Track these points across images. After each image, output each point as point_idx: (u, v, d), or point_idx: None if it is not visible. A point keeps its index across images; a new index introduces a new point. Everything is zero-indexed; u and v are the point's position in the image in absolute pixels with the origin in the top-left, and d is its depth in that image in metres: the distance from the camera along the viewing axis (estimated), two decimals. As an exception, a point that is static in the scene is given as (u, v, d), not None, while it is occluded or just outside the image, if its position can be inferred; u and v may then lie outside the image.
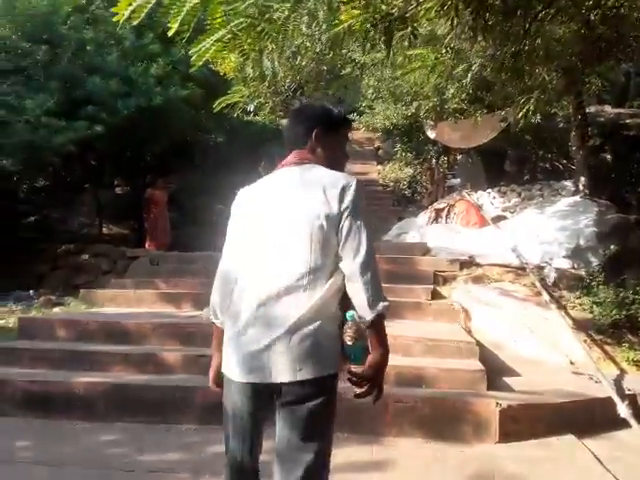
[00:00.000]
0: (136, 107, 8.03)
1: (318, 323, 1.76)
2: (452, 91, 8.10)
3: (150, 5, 3.03)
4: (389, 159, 15.83)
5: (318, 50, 5.79)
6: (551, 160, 11.92)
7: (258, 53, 4.78)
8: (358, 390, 1.77)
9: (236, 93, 5.54)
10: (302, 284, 1.76)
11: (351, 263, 1.75)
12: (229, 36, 3.15)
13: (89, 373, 4.20)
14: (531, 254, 7.42)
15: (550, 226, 7.97)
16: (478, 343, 4.74)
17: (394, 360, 4.21)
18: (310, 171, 1.89)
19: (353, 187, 1.81)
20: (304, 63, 5.69)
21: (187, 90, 8.84)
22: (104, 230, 12.68)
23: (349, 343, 1.77)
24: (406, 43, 4.91)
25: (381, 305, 1.77)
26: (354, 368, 1.78)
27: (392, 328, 5.14)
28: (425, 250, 8.56)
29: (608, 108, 13.64)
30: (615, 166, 11.77)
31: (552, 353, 5.28)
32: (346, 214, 1.77)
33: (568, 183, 9.82)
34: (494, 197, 10.94)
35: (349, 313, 1.78)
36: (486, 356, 4.71)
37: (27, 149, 7.09)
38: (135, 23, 3.10)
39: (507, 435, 3.56)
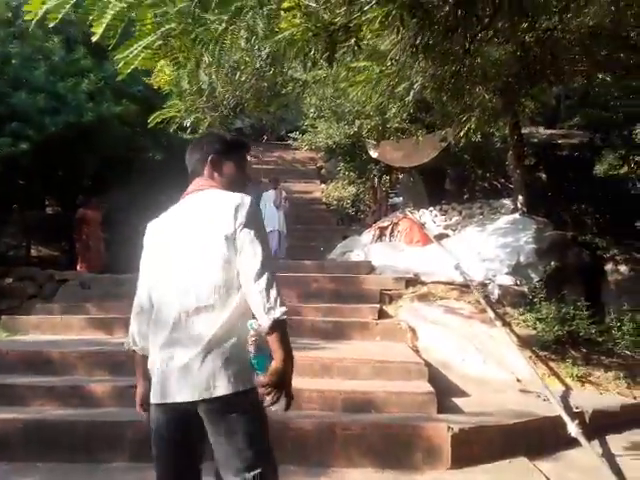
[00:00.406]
0: (65, 124, 7.58)
1: (232, 340, 1.83)
2: (394, 110, 8.10)
3: (68, 7, 2.77)
4: (332, 178, 15.81)
5: (258, 66, 5.62)
6: (489, 179, 12.20)
7: (194, 65, 4.57)
8: (267, 399, 1.77)
9: (172, 107, 5.27)
10: (211, 303, 1.84)
11: (246, 274, 1.81)
12: (159, 42, 2.90)
13: (7, 408, 3.76)
14: (474, 271, 7.46)
15: (491, 243, 8.06)
16: (426, 363, 4.62)
17: (341, 385, 4.10)
18: (208, 195, 1.99)
19: (247, 204, 1.90)
20: (243, 78, 5.50)
21: (121, 106, 8.44)
22: (33, 252, 11.95)
23: (251, 353, 1.80)
24: (349, 57, 4.84)
25: (278, 311, 1.79)
26: (261, 378, 1.78)
27: (338, 350, 5.02)
28: (370, 268, 8.48)
29: (541, 129, 14.16)
30: (550, 185, 12.17)
31: (499, 371, 5.23)
32: (240, 229, 1.85)
33: (507, 201, 10.02)
34: (436, 215, 11.03)
35: (249, 322, 1.82)
36: (434, 376, 4.58)
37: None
38: (52, 25, 2.82)
39: (459, 460, 3.41)
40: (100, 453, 3.45)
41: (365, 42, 4.77)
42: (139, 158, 12.28)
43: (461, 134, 6.00)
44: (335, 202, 13.78)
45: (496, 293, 6.42)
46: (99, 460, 3.42)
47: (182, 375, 1.80)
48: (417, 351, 5.38)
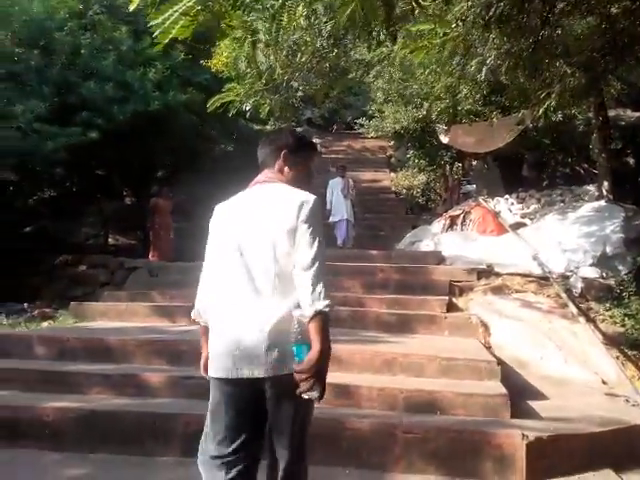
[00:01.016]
0: (133, 112, 7.68)
1: (291, 328, 1.95)
2: (465, 91, 7.65)
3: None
4: (402, 166, 15.37)
5: (319, 45, 5.38)
6: (571, 165, 11.38)
7: (250, 45, 4.40)
8: (302, 385, 1.86)
9: (230, 91, 5.12)
10: (271, 292, 1.98)
11: (299, 265, 1.93)
12: (198, 7, 2.70)
13: (63, 396, 3.76)
14: (554, 263, 6.91)
15: (573, 233, 7.44)
16: (499, 361, 4.24)
17: (404, 383, 3.82)
18: (276, 189, 2.11)
19: (311, 203, 2.01)
20: (304, 59, 5.27)
21: (186, 95, 8.47)
22: (110, 241, 12.39)
23: (292, 341, 1.92)
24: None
25: (322, 303, 1.87)
26: (298, 365, 1.87)
27: (402, 344, 4.70)
28: (440, 259, 8.08)
29: (628, 112, 13.07)
30: (638, 170, 11.20)
31: (581, 371, 4.75)
32: (302, 226, 1.97)
33: (591, 188, 9.28)
34: (512, 203, 10.42)
35: (295, 312, 1.93)
36: (508, 376, 4.20)
37: (16, 155, 6.76)
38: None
39: (535, 472, 3.05)
40: (151, 446, 3.36)
41: (429, 14, 4.42)
42: (210, 149, 12.46)
43: (539, 115, 5.46)
44: (405, 191, 13.35)
45: (579, 286, 5.87)
46: (148, 453, 3.33)
47: (247, 355, 1.95)
48: (489, 348, 4.99)
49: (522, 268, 7.02)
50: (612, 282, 5.91)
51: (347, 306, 5.59)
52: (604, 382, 4.63)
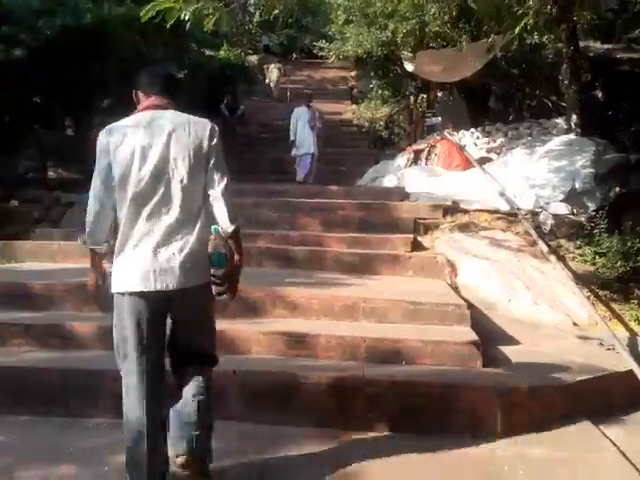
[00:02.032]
0: (62, 27, 6.74)
1: (201, 241, 2.18)
2: (433, 11, 7.02)
3: None
4: (364, 98, 14.67)
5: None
6: (539, 97, 10.95)
7: None
8: (218, 289, 2.20)
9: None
10: (188, 210, 2.18)
11: (217, 188, 2.19)
12: None
13: (-24, 351, 3.25)
14: (522, 199, 6.60)
15: (542, 167, 7.12)
16: (468, 304, 3.93)
17: (366, 330, 3.39)
18: (179, 115, 2.27)
19: (217, 130, 2.29)
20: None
21: (124, 8, 7.49)
22: (53, 175, 11.49)
23: (211, 250, 2.15)
24: None
25: (239, 220, 2.21)
26: (215, 271, 2.17)
27: (364, 287, 4.19)
28: (403, 195, 7.69)
29: (597, 44, 12.65)
30: (607, 103, 10.88)
31: (552, 312, 4.49)
32: (214, 150, 2.23)
33: (559, 121, 8.93)
34: (478, 137, 9.98)
35: (213, 227, 2.19)
36: (478, 320, 3.89)
37: None
38: None
39: (511, 426, 2.77)
40: (79, 406, 2.91)
41: None
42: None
43: (514, 36, 4.94)
44: (367, 124, 12.74)
45: (549, 223, 5.59)
46: (77, 414, 2.89)
47: (164, 268, 2.11)
48: (456, 289, 4.67)
49: (489, 204, 6.71)
50: (583, 219, 5.64)
51: (305, 245, 5.16)
52: (575, 324, 4.40)
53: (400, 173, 9.02)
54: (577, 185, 6.66)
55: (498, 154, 9.17)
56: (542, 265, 5.06)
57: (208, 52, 15.07)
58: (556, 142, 7.61)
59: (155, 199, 2.13)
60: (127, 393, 2.16)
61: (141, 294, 2.10)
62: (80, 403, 2.94)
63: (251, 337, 3.21)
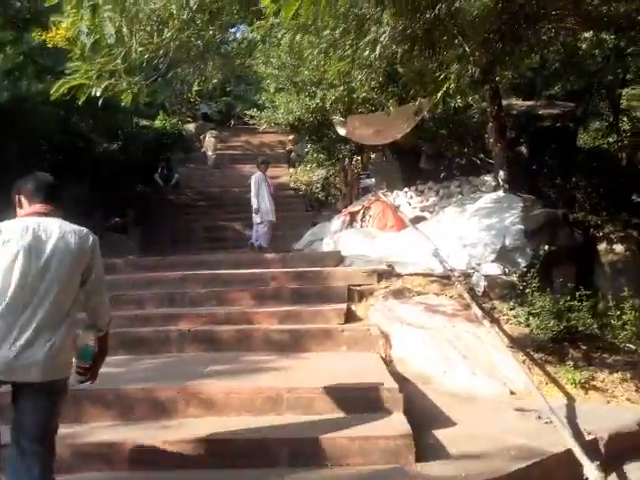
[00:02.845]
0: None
1: (66, 339, 2.38)
2: (360, 77, 7.12)
3: None
4: (301, 162, 14.77)
5: (186, 17, 4.57)
6: (467, 155, 11.27)
7: (90, 13, 3.53)
8: (81, 378, 2.54)
9: (76, 72, 4.20)
10: (64, 309, 2.38)
11: (98, 291, 2.54)
12: None
13: None
14: (456, 259, 6.57)
15: (473, 226, 7.17)
16: (403, 379, 3.75)
17: (289, 429, 2.86)
18: (63, 223, 2.46)
19: (97, 240, 2.55)
20: (169, 35, 4.44)
21: (43, 84, 7.25)
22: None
23: (81, 346, 2.51)
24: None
25: (110, 322, 2.65)
26: (81, 364, 2.51)
27: (292, 370, 3.63)
28: (339, 259, 7.56)
29: (519, 101, 13.30)
30: (532, 159, 11.31)
31: (489, 382, 4.34)
32: (96, 258, 2.51)
33: (488, 178, 9.13)
34: (411, 197, 10.12)
35: (85, 325, 2.56)
36: (412, 399, 3.67)
37: None
38: None
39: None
40: None
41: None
42: (88, 148, 11.10)
43: (438, 100, 5.01)
44: (304, 187, 12.75)
45: (482, 285, 5.53)
46: None
47: (33, 361, 2.25)
48: (391, 362, 4.49)
49: (423, 266, 6.63)
50: (515, 278, 5.62)
51: (232, 324, 4.89)
52: (512, 393, 4.26)
53: (336, 236, 8.95)
54: (507, 242, 6.71)
55: (431, 213, 9.26)
56: (477, 330, 4.95)
57: (143, 122, 14.93)
58: (486, 200, 7.73)
59: (31, 299, 2.29)
60: None
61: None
62: None
63: (157, 446, 2.85)
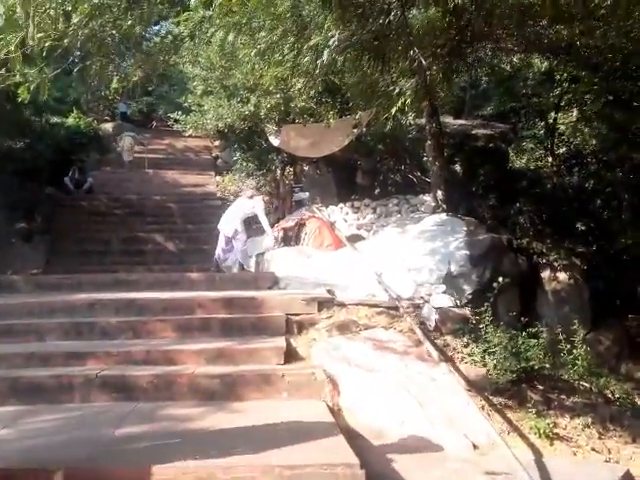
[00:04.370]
0: None
1: None
2: (299, 85, 6.55)
3: None
4: (229, 169, 13.98)
5: (97, 2, 3.77)
6: (403, 172, 10.98)
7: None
8: None
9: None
10: None
11: None
12: None
13: None
14: (399, 283, 6.12)
15: (417, 249, 6.75)
16: (353, 434, 3.14)
17: None
18: None
19: None
20: (76, 21, 3.64)
21: None
22: None
23: None
24: None
25: None
26: None
27: (225, 434, 2.76)
28: (273, 280, 6.95)
29: (450, 119, 13.26)
30: (466, 179, 11.19)
31: (449, 434, 3.83)
32: None
33: (427, 197, 8.81)
34: (347, 213, 9.65)
35: None
36: (366, 460, 3.07)
37: None
38: None
39: None
40: None
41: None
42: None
43: (393, 115, 4.51)
44: (232, 197, 11.97)
45: (433, 319, 5.07)
46: None
47: None
48: (339, 411, 3.90)
49: (365, 291, 6.15)
50: (467, 311, 5.19)
51: (149, 364, 4.09)
52: (475, 447, 3.77)
53: (269, 254, 8.29)
54: (453, 268, 6.34)
55: (368, 231, 8.83)
56: (432, 370, 4.45)
57: (55, 119, 13.60)
58: (428, 222, 7.36)
59: None
60: None
61: None
62: None
63: None
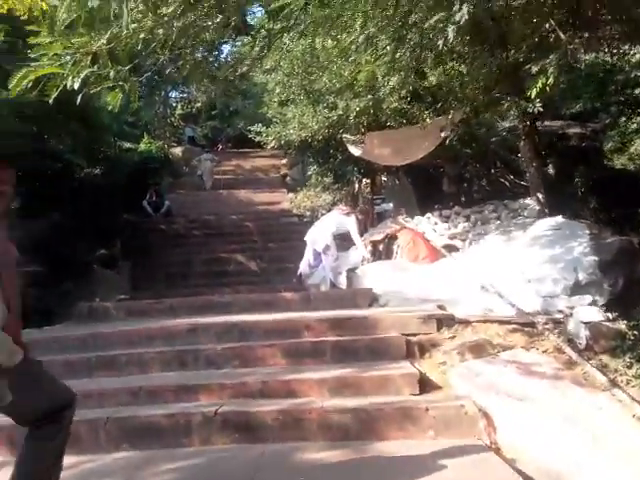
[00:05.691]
0: None
1: None
2: (392, 84, 5.98)
3: None
4: (299, 186, 13.61)
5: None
6: (494, 176, 10.21)
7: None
8: None
9: (44, 55, 2.93)
10: None
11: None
12: None
13: None
14: (519, 297, 5.41)
15: (533, 257, 6.02)
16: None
17: None
18: None
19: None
20: (171, 10, 3.22)
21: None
22: None
23: None
24: None
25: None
26: None
27: None
28: (371, 297, 6.40)
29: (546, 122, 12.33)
30: (560, 180, 10.30)
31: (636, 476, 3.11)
32: None
33: (530, 201, 8.03)
34: (435, 223, 8.96)
35: None
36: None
37: None
38: None
39: None
40: None
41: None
42: (67, 173, 9.74)
43: (536, 94, 3.86)
44: (308, 213, 11.55)
45: (582, 336, 4.32)
46: None
47: None
48: (498, 451, 3.23)
49: (480, 306, 5.47)
50: (623, 326, 4.41)
51: (270, 397, 3.58)
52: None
53: (360, 270, 7.73)
54: (580, 277, 5.57)
55: (463, 241, 8.13)
56: (593, 397, 3.72)
57: (127, 145, 13.69)
58: (541, 227, 6.60)
59: None
60: None
61: None
62: None
63: None
